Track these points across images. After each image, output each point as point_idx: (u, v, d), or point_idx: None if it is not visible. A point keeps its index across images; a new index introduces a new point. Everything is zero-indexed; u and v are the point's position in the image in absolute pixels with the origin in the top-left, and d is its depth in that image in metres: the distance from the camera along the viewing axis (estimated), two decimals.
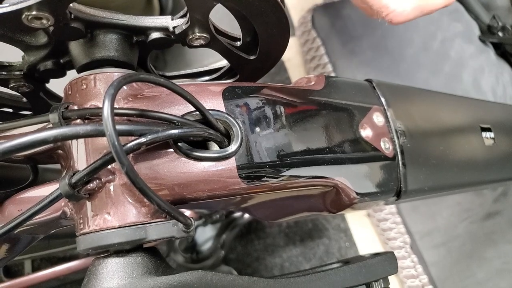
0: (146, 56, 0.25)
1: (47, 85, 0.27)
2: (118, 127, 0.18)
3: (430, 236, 0.68)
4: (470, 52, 0.74)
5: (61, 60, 0.24)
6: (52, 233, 0.29)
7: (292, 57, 0.89)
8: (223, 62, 0.29)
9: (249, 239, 0.79)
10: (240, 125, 0.22)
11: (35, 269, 0.72)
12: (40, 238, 0.26)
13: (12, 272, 0.78)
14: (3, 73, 0.24)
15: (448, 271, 0.67)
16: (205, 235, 0.71)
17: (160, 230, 0.20)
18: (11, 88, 0.25)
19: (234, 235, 0.74)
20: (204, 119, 0.21)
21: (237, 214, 0.70)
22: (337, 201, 0.28)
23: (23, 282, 0.58)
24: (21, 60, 0.24)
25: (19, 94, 0.27)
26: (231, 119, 0.22)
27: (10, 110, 0.29)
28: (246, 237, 0.79)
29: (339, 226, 0.80)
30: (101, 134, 0.17)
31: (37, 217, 0.22)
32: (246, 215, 0.71)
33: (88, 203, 0.20)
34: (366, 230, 0.78)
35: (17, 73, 0.24)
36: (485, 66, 0.73)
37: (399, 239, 0.70)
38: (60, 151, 0.22)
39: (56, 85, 0.27)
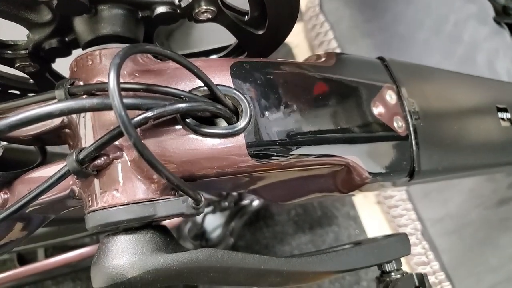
0: (152, 33, 0.25)
1: (53, 66, 0.27)
2: (125, 100, 0.17)
3: (441, 223, 0.67)
4: (484, 34, 0.72)
5: (66, 38, 0.24)
6: (64, 219, 0.28)
7: (300, 43, 0.88)
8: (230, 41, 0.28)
9: (258, 227, 0.79)
10: (249, 101, 0.22)
11: (48, 257, 0.74)
12: (51, 218, 0.26)
13: (26, 260, 0.79)
14: (9, 52, 0.24)
15: (460, 258, 0.66)
16: (214, 223, 0.71)
17: (169, 207, 0.20)
18: (17, 68, 0.25)
19: (243, 223, 0.74)
20: (212, 95, 0.21)
21: (246, 201, 0.70)
22: (348, 180, 0.27)
23: (37, 268, 0.59)
24: (26, 39, 0.24)
25: (25, 76, 0.27)
26: (239, 94, 0.22)
27: (18, 92, 0.29)
28: (255, 224, 0.79)
29: (348, 213, 0.80)
30: (108, 107, 0.17)
31: (46, 196, 0.22)
32: (255, 203, 0.71)
33: (96, 180, 0.20)
34: (376, 217, 0.77)
35: (23, 52, 0.24)
36: (500, 48, 0.71)
37: (410, 225, 0.69)
38: (67, 130, 0.22)
39: (62, 67, 0.27)
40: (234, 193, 0.66)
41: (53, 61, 0.26)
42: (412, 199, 0.69)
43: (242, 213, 0.72)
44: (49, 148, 0.29)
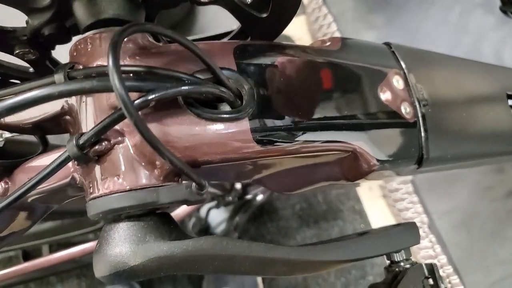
0: (153, 17, 0.24)
1: (53, 56, 0.26)
2: (125, 82, 0.17)
3: (449, 216, 0.66)
4: (491, 24, 0.71)
5: (66, 24, 0.23)
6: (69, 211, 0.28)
7: (303, 36, 0.87)
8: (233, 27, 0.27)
9: (262, 221, 0.78)
10: (253, 84, 0.21)
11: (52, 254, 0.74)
12: (54, 208, 0.25)
13: (30, 257, 0.79)
14: (8, 38, 0.23)
15: (468, 251, 0.65)
16: (219, 218, 0.71)
17: (172, 193, 0.19)
18: (17, 55, 0.24)
19: (247, 218, 0.73)
20: (215, 78, 0.20)
21: (250, 196, 0.69)
22: (355, 167, 0.27)
23: (40, 263, 0.59)
24: (26, 25, 0.23)
25: (26, 65, 0.27)
26: (243, 78, 0.21)
27: (18, 82, 0.28)
28: (259, 219, 0.78)
29: (354, 207, 0.79)
30: (108, 88, 0.16)
31: (47, 184, 0.22)
32: (259, 197, 0.70)
33: (97, 166, 0.19)
34: (381, 211, 0.77)
35: (22, 38, 0.23)
36: (506, 37, 0.70)
37: (416, 219, 0.68)
38: (67, 117, 0.22)
39: (63, 57, 0.27)
40: (238, 187, 0.65)
41: (53, 48, 0.25)
42: (418, 192, 0.68)
43: (246, 207, 0.71)
44: (51, 141, 0.29)
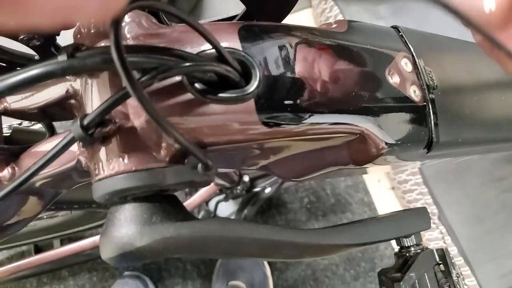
0: None
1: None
2: (128, 59, 0.16)
3: (459, 206, 0.65)
4: None
5: None
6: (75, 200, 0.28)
7: None
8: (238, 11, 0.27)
9: (270, 215, 0.78)
10: (258, 65, 0.21)
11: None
12: (63, 193, 0.25)
13: (42, 251, 0.80)
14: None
15: (479, 242, 0.64)
16: (227, 211, 0.71)
17: (178, 174, 0.19)
18: (21, 41, 0.24)
19: (255, 211, 0.73)
20: (220, 58, 0.20)
21: (258, 188, 0.69)
22: (363, 151, 0.26)
23: (51, 256, 0.60)
24: None
25: (32, 53, 0.27)
26: (248, 58, 0.21)
27: None
28: (267, 212, 0.78)
29: (362, 200, 0.78)
30: (111, 65, 0.16)
31: (53, 167, 0.22)
32: (267, 190, 0.70)
33: (103, 148, 0.19)
34: (390, 203, 0.76)
35: None
36: None
37: None
38: (72, 101, 0.22)
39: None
40: (246, 180, 0.65)
41: (58, 34, 0.25)
42: (427, 183, 0.67)
43: (254, 200, 0.71)
44: (58, 132, 0.29)
